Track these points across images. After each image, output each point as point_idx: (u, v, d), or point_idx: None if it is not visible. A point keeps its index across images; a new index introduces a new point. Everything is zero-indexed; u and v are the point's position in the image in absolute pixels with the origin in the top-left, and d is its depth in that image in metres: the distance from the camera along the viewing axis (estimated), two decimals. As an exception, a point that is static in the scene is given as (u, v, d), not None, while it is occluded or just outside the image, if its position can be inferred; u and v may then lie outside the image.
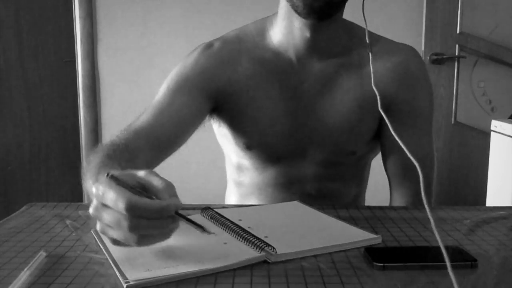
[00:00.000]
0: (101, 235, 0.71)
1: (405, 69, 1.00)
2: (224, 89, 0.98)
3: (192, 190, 2.63)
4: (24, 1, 3.03)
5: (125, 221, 0.58)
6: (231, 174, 1.15)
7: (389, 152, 1.03)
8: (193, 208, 0.84)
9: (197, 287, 0.57)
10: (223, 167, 1.19)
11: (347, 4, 0.92)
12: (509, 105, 2.59)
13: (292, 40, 0.96)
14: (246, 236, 0.69)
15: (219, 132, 1.09)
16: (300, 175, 1.04)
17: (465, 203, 2.59)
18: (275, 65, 0.98)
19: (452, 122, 2.59)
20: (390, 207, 0.91)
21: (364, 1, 0.96)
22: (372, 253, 0.65)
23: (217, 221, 0.77)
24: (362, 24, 0.97)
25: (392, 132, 0.90)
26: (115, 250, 0.65)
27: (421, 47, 2.50)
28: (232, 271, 0.61)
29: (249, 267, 0.62)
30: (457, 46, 2.52)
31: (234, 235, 0.71)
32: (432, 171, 1.04)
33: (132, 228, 0.58)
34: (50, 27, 3.06)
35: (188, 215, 0.67)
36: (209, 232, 0.63)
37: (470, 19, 2.51)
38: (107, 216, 0.59)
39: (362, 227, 0.77)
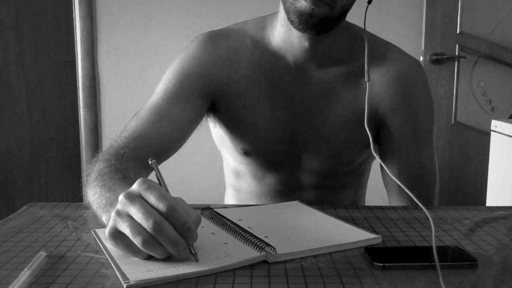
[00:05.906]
0: (99, 233, 0.72)
1: (405, 84, 0.97)
2: (222, 89, 0.97)
3: (191, 190, 2.64)
4: (24, 1, 3.03)
5: (155, 216, 0.59)
6: (229, 178, 1.15)
7: (386, 165, 0.98)
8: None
9: (197, 287, 0.57)
10: (221, 167, 1.19)
11: None
12: (509, 105, 2.59)
13: (291, 48, 0.93)
14: (246, 236, 0.69)
15: (215, 133, 1.08)
16: (298, 183, 1.04)
17: (465, 203, 2.59)
18: (273, 70, 0.96)
19: (452, 122, 2.59)
20: (390, 207, 0.91)
21: (365, 7, 0.93)
22: (372, 253, 0.65)
23: (217, 221, 0.77)
24: (365, 27, 0.95)
25: (373, 153, 0.89)
26: (115, 250, 0.65)
27: (421, 47, 2.50)
28: (232, 271, 0.61)
29: (249, 267, 0.62)
30: (457, 46, 2.53)
31: (234, 235, 0.71)
32: (433, 186, 1.02)
33: (156, 225, 0.59)
34: (50, 27, 3.06)
35: None
36: (196, 260, 0.63)
37: (470, 19, 2.51)
38: (138, 204, 0.60)
39: (362, 227, 0.77)
